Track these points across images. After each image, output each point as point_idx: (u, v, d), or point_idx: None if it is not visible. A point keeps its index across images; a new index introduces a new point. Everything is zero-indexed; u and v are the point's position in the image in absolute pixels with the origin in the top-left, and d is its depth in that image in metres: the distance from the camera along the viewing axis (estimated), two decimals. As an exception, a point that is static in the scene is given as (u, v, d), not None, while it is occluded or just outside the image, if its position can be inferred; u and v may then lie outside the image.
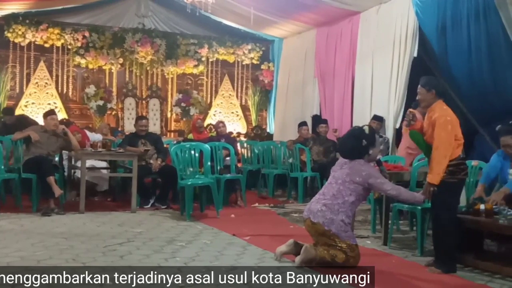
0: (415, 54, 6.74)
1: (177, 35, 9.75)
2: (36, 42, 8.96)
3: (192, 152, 5.93)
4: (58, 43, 9.07)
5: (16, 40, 8.83)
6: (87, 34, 9.11)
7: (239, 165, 7.73)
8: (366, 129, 3.88)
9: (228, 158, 6.79)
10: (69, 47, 9.12)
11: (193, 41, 9.80)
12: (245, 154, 8.49)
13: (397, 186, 3.86)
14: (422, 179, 4.79)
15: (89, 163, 6.31)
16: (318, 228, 3.72)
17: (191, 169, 5.85)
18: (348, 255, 3.67)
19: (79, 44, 9.09)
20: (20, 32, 8.77)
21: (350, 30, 7.97)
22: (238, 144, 8.25)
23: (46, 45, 9.02)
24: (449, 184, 3.71)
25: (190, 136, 7.81)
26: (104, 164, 6.83)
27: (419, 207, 4.30)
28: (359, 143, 3.80)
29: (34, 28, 8.82)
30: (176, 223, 5.37)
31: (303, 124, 8.04)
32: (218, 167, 6.51)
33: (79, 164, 6.37)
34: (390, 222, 4.64)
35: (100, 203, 6.51)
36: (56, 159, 6.34)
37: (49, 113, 6.32)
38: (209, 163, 5.96)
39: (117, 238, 4.51)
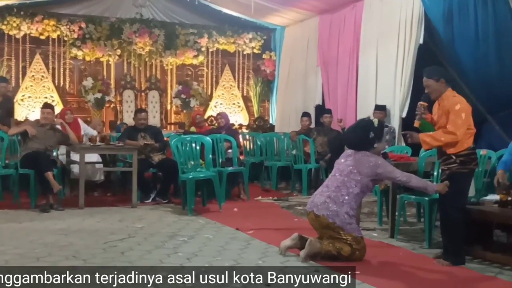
0: (421, 41, 6.58)
1: (175, 25, 9.58)
2: (32, 34, 8.79)
3: (193, 145, 5.86)
4: (54, 35, 8.91)
5: (11, 33, 8.67)
6: (83, 25, 8.94)
7: (241, 157, 7.63)
8: (375, 121, 3.91)
9: (230, 151, 6.69)
10: (65, 39, 8.96)
11: (192, 30, 9.62)
12: (248, 146, 8.40)
13: (407, 173, 3.82)
14: (429, 169, 4.71)
15: (78, 157, 6.03)
16: (322, 221, 3.69)
17: (192, 163, 5.78)
18: (354, 247, 3.66)
19: (75, 36, 8.93)
20: (14, 24, 8.61)
21: (353, 17, 7.82)
22: (240, 136, 8.15)
23: (42, 37, 8.86)
24: (460, 175, 3.67)
25: (193, 129, 7.67)
26: (95, 157, 6.54)
27: (427, 198, 4.23)
28: (367, 134, 3.78)
29: (29, 19, 8.66)
30: (178, 217, 5.31)
31: (303, 115, 7.93)
32: (220, 160, 6.43)
33: (75, 158, 6.23)
34: (397, 214, 4.57)
35: (100, 199, 6.44)
36: (54, 153, 6.22)
37: (46, 107, 6.22)
38: (210, 156, 5.89)
39: (117, 234, 4.46)
